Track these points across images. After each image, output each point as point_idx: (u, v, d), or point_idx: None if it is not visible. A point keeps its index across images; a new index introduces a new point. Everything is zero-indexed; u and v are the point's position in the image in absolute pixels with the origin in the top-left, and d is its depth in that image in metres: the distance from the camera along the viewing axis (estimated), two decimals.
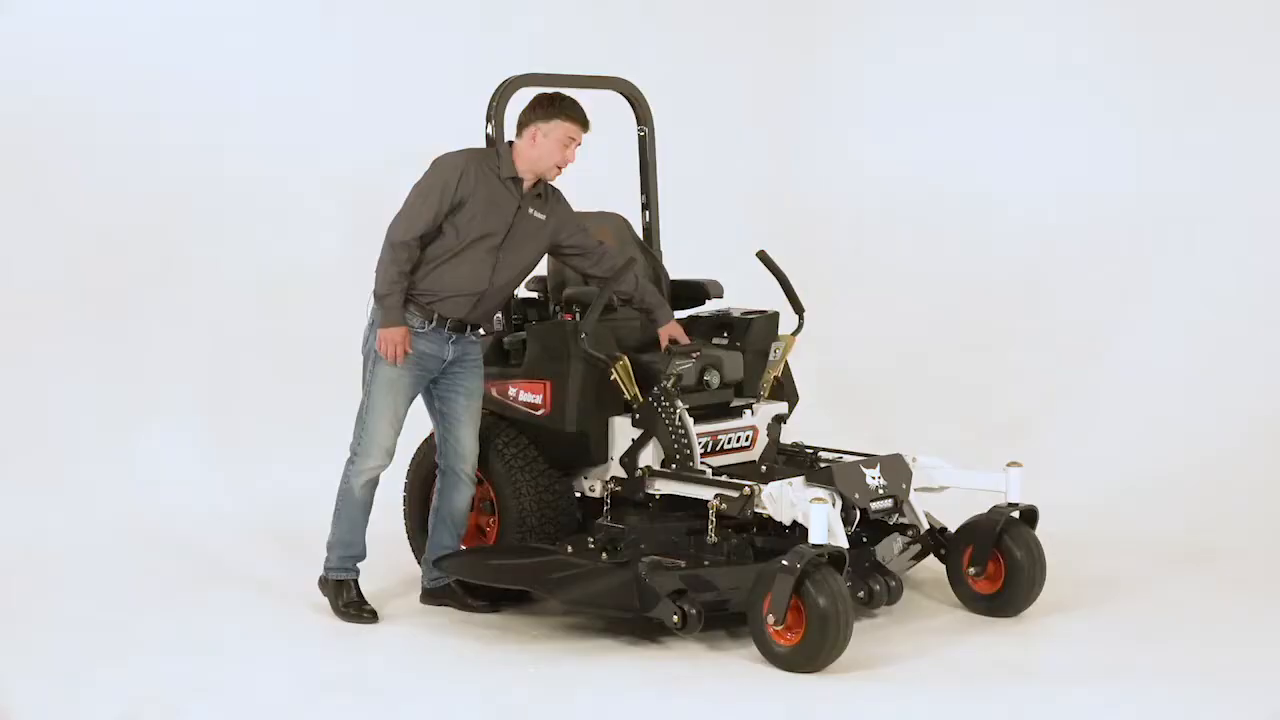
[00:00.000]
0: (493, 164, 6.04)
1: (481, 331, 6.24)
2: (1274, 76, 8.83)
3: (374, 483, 6.16)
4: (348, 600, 6.18)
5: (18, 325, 8.10)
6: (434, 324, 6.02)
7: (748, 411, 6.60)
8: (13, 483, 7.66)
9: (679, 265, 7.00)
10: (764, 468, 6.25)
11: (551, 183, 6.16)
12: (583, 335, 6.16)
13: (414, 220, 5.93)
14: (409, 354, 5.97)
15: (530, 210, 6.09)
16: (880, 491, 5.96)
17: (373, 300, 6.01)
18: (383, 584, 6.48)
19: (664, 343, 6.39)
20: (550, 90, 6.10)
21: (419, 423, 6.31)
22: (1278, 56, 8.83)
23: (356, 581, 6.23)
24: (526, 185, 6.06)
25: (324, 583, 6.24)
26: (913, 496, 6.13)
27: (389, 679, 5.53)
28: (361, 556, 6.25)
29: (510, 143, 6.10)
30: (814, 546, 5.43)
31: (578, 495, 6.39)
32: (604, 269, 6.32)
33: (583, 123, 6.03)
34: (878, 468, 6.02)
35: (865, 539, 6.07)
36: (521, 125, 6.05)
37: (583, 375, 6.21)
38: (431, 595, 6.32)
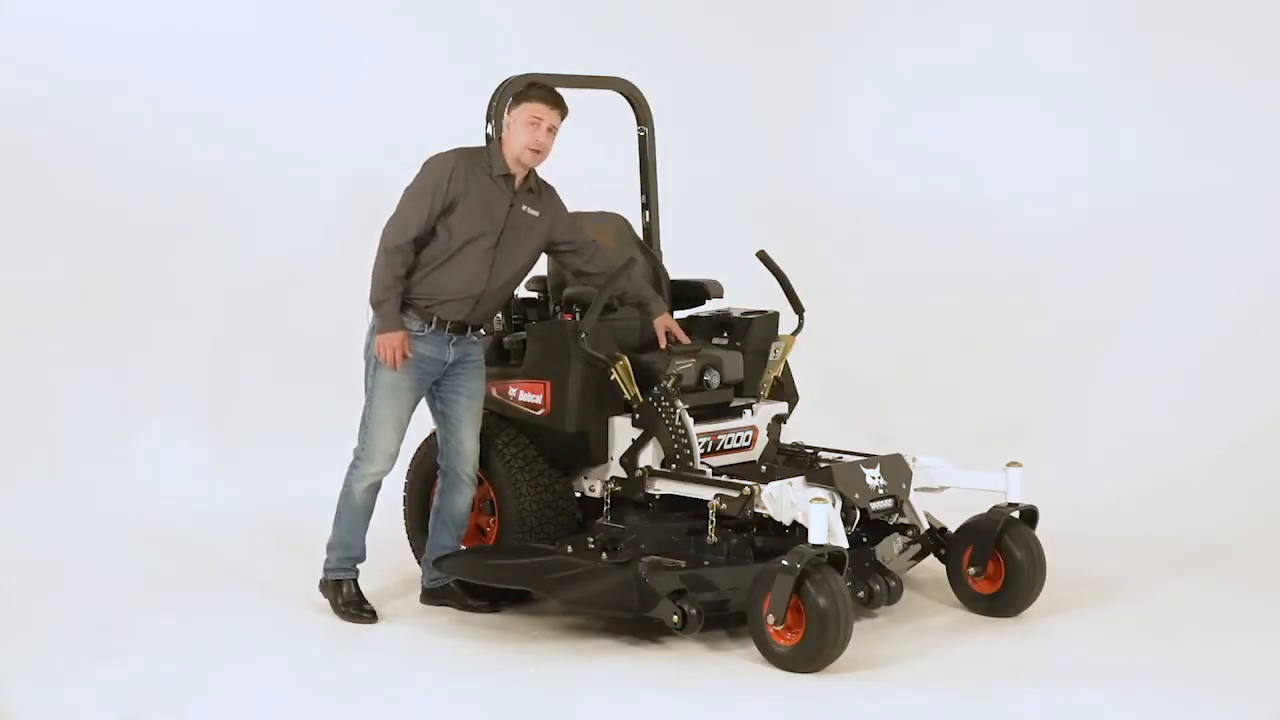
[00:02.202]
0: (483, 162, 6.02)
1: (482, 331, 6.24)
2: (1274, 76, 8.83)
3: (376, 487, 6.16)
4: (347, 599, 6.18)
5: (18, 325, 8.10)
6: (434, 327, 6.01)
7: (748, 411, 6.60)
8: (13, 483, 7.67)
9: (679, 265, 7.00)
10: (764, 468, 6.25)
11: (535, 168, 6.09)
12: (583, 335, 6.16)
13: (407, 223, 5.92)
14: (409, 358, 5.97)
15: (524, 207, 6.07)
16: (880, 491, 5.95)
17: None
18: (383, 584, 6.48)
19: (660, 334, 6.39)
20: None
21: (419, 423, 6.31)
22: (1277, 56, 8.83)
23: (355, 581, 6.23)
24: (518, 181, 6.05)
25: (324, 584, 6.24)
26: (913, 496, 6.13)
27: (389, 679, 5.53)
28: (361, 558, 6.25)
29: (498, 138, 6.09)
30: (814, 546, 5.43)
31: (578, 495, 6.39)
32: (597, 266, 6.32)
33: (548, 101, 5.97)
34: (878, 468, 6.02)
35: (865, 539, 6.07)
36: (503, 115, 6.06)
37: (583, 375, 6.21)
38: (431, 595, 6.32)
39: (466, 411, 6.16)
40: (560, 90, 6.07)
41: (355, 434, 6.17)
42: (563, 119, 6.02)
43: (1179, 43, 8.97)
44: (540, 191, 6.16)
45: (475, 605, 6.22)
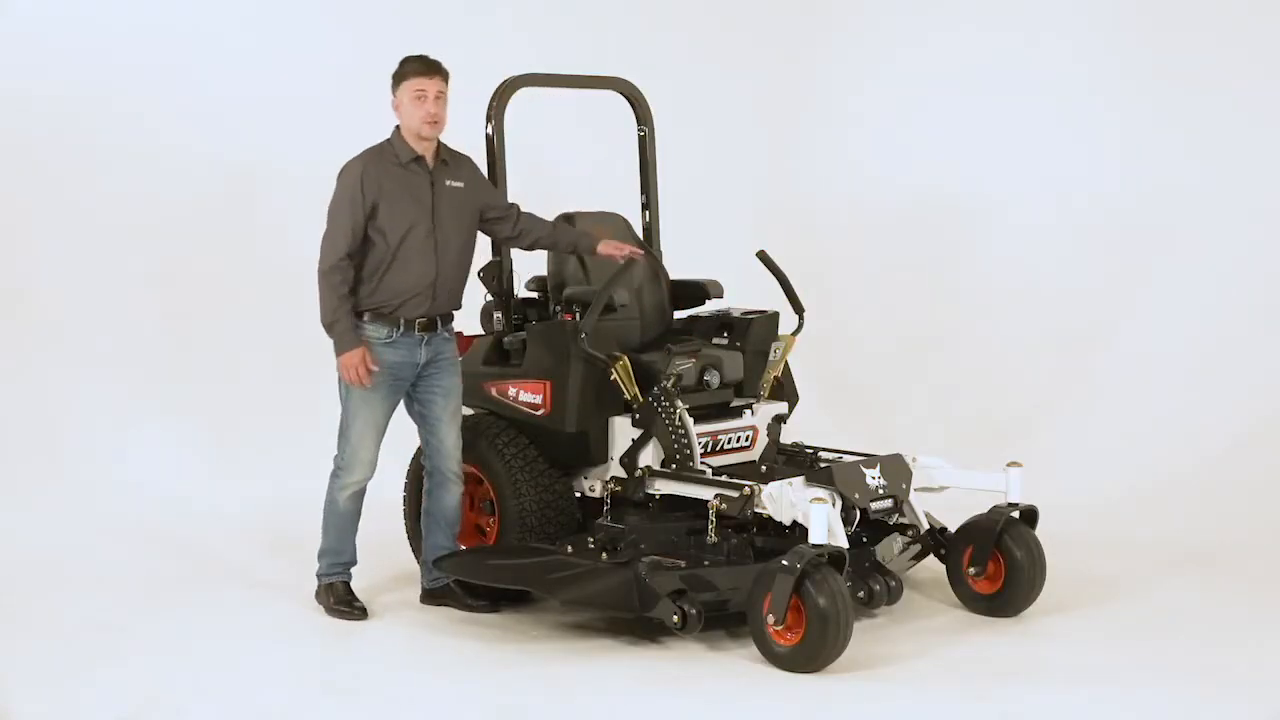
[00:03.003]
0: (390, 155, 6.00)
1: (454, 327, 6.20)
2: (1274, 76, 8.83)
3: (359, 494, 6.17)
4: (337, 598, 6.20)
5: (17, 325, 8.11)
6: (402, 330, 6.00)
7: (748, 411, 6.60)
8: (13, 483, 7.67)
9: (679, 265, 7.00)
10: (764, 468, 6.25)
11: (443, 141, 6.07)
12: (583, 335, 6.16)
13: (335, 242, 5.90)
14: (376, 371, 5.93)
15: (447, 182, 6.06)
16: (880, 491, 5.95)
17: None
18: (381, 584, 6.49)
19: (610, 253, 6.32)
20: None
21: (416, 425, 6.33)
22: (1277, 56, 8.83)
23: (346, 582, 6.25)
24: (430, 160, 6.03)
25: (318, 591, 6.27)
26: (913, 496, 6.13)
27: (389, 679, 5.53)
28: (352, 562, 6.27)
29: (398, 126, 6.07)
30: (814, 546, 5.43)
31: (578, 495, 6.39)
32: (523, 226, 6.29)
33: (425, 72, 5.94)
34: (878, 468, 6.02)
35: (865, 539, 6.07)
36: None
37: (583, 375, 6.21)
38: (431, 595, 6.32)
39: (445, 410, 6.16)
40: (560, 89, 6.06)
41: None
42: (446, 83, 5.98)
43: (1179, 43, 8.97)
44: (456, 162, 6.14)
45: (475, 605, 6.22)
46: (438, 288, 6.01)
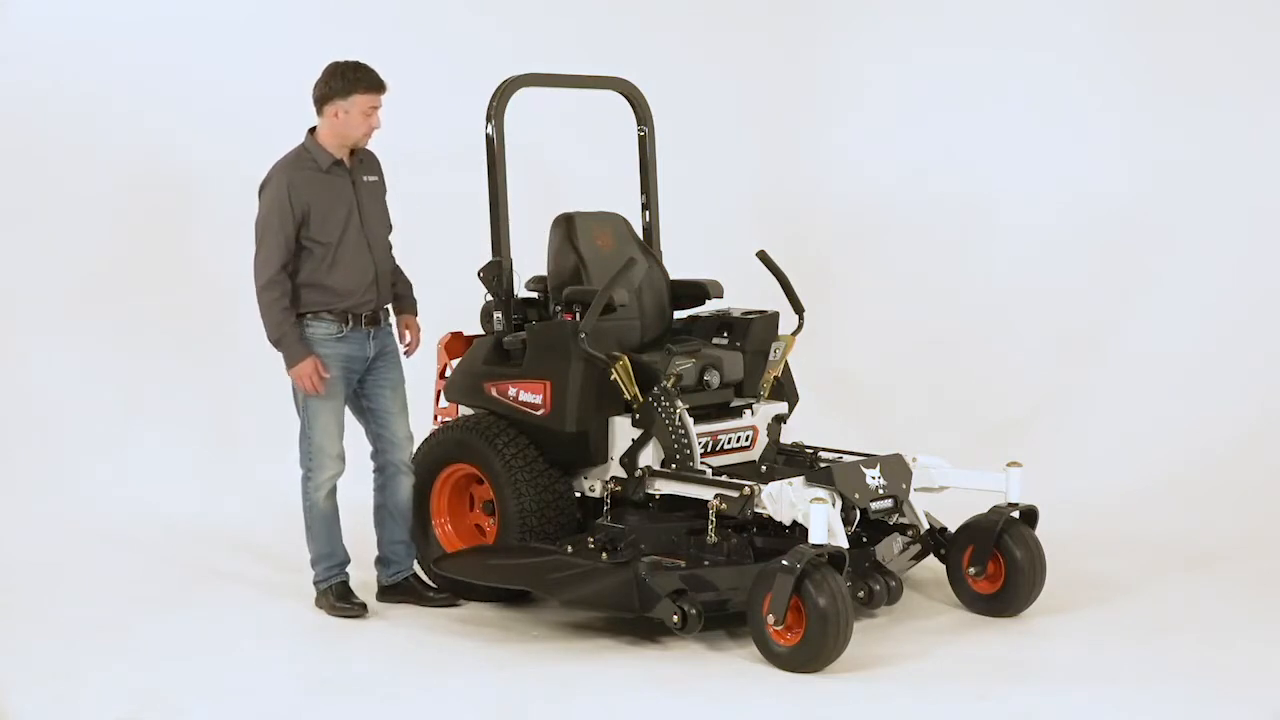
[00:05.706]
0: (309, 162, 6.04)
1: (393, 321, 6.30)
2: (1274, 76, 8.83)
3: (334, 490, 6.21)
4: (337, 595, 6.22)
5: (17, 326, 8.10)
6: (351, 325, 6.07)
7: (748, 411, 6.60)
8: (13, 483, 7.67)
9: (679, 265, 7.00)
10: (764, 468, 6.26)
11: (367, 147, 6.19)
12: (583, 335, 6.16)
13: (269, 258, 5.96)
14: (330, 378, 6.02)
15: (364, 178, 6.16)
16: (880, 491, 5.96)
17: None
18: (370, 583, 6.47)
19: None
20: (340, 61, 6.05)
21: (420, 425, 6.32)
22: (1277, 55, 8.83)
23: (344, 581, 6.26)
24: (349, 160, 6.10)
25: (317, 598, 6.27)
26: (913, 496, 6.14)
27: (389, 679, 5.53)
28: (346, 561, 6.29)
29: (312, 129, 6.09)
30: (814, 546, 5.43)
31: (578, 495, 6.39)
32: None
33: (378, 88, 6.03)
34: (878, 468, 6.02)
35: (865, 539, 6.07)
36: (320, 102, 6.04)
37: (583, 375, 6.21)
38: (387, 592, 6.34)
39: (393, 402, 6.23)
40: (557, 89, 6.04)
41: (352, 431, 6.18)
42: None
43: (1177, 43, 8.96)
44: (367, 158, 6.22)
45: (436, 599, 6.25)
46: (379, 281, 6.13)
